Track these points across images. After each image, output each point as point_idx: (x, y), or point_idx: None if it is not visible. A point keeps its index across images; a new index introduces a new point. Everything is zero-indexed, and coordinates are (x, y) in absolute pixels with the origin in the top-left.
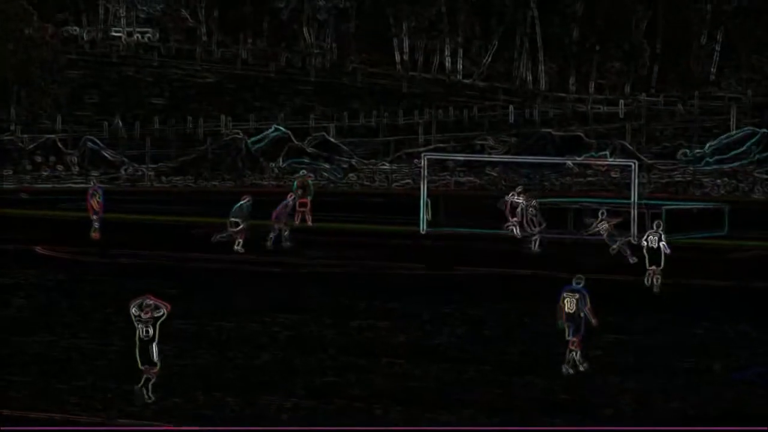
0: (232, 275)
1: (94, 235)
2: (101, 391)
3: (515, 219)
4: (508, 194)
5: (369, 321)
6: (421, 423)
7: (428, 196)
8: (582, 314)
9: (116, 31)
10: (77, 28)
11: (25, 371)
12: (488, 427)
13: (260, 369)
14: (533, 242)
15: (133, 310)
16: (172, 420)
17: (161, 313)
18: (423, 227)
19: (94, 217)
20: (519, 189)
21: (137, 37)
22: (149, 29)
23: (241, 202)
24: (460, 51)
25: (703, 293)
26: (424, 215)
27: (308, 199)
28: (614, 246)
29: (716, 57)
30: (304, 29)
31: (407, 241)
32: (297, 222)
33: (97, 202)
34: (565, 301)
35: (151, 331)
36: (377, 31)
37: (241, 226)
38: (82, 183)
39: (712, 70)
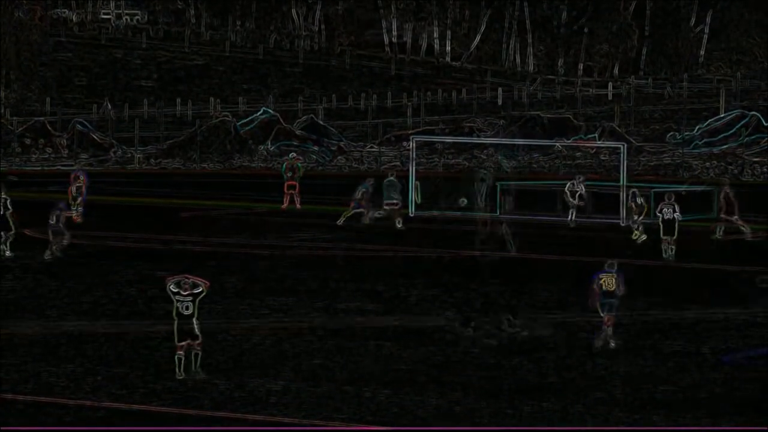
0: (220, 258)
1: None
2: (90, 374)
3: (579, 202)
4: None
5: (357, 303)
6: (409, 406)
7: (417, 178)
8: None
9: (105, 14)
10: (66, 11)
11: (13, 354)
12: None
13: (249, 352)
14: (570, 214)
15: (171, 287)
16: (162, 402)
17: (200, 290)
18: (412, 210)
19: (72, 202)
20: (581, 178)
21: (126, 19)
22: (138, 11)
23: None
24: (449, 33)
25: (692, 275)
26: (412, 198)
27: (297, 182)
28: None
29: (705, 39)
30: (293, 11)
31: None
32: (285, 205)
33: (76, 187)
34: (603, 281)
35: (191, 307)
36: (365, 13)
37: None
38: (71, 166)
39: (701, 52)
